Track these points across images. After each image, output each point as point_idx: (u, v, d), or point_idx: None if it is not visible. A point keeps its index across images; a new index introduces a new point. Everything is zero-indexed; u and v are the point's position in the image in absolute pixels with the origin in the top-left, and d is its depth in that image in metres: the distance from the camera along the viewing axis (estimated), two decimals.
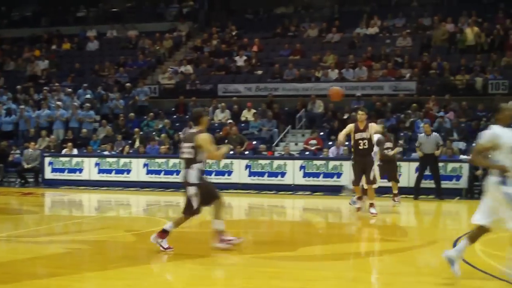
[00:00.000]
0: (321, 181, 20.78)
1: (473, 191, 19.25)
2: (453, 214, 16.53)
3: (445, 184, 19.17)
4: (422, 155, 18.46)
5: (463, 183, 19.39)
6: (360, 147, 14.01)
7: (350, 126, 14.19)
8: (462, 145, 21.40)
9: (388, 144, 16.65)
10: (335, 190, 19.54)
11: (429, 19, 29.16)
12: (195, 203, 9.68)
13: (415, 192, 18.59)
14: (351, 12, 31.71)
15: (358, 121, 14.18)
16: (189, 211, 9.75)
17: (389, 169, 16.58)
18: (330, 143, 22.53)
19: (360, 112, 14.26)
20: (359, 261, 9.92)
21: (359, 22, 30.10)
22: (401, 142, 21.87)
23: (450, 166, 19.66)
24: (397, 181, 16.77)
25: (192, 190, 9.64)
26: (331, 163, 20.85)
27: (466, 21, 27.94)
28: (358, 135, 14.00)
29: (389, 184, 16.71)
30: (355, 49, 28.38)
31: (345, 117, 23.78)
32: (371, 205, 14.12)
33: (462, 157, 19.82)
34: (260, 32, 31.27)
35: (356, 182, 14.18)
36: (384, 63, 26.67)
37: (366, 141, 13.98)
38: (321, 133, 23.68)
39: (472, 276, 8.36)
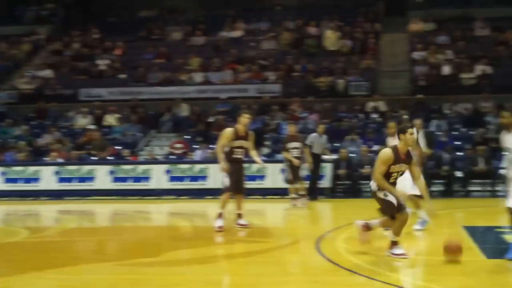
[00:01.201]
0: (187, 184, 20.57)
1: (335, 190, 19.63)
2: (317, 213, 16.75)
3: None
4: (310, 154, 18.05)
5: (326, 182, 19.73)
6: (235, 155, 12.26)
7: (229, 132, 12.21)
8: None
9: (296, 144, 16.49)
10: (201, 194, 19.42)
11: (293, 23, 29.57)
12: (393, 200, 9.03)
13: (312, 192, 18.53)
14: (216, 16, 31.66)
15: (240, 125, 12.30)
16: (391, 210, 9.11)
17: (296, 172, 16.55)
18: (196, 146, 22.35)
19: (245, 115, 12.36)
20: (225, 264, 9.77)
21: (224, 26, 30.14)
22: (267, 143, 22.05)
23: None
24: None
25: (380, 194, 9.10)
26: (197, 167, 20.69)
27: (328, 25, 28.60)
28: (237, 143, 12.23)
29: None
30: (220, 52, 28.38)
31: (210, 120, 23.72)
32: (240, 215, 12.65)
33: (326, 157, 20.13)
34: (123, 36, 30.62)
35: (234, 188, 12.42)
36: (249, 66, 26.81)
37: (243, 150, 12.35)
38: (187, 137, 23.45)
39: (335, 273, 8.40)
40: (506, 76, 25.12)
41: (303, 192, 16.76)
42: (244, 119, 12.28)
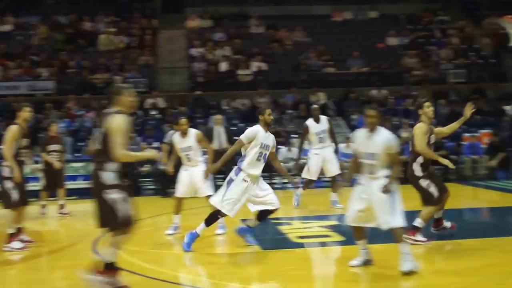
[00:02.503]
0: None
1: None
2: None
3: (88, 184, 18.76)
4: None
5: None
6: (19, 158, 10.15)
7: (16, 130, 10.08)
8: None
9: (56, 146, 14.87)
10: None
11: (65, 17, 28.36)
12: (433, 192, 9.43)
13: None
14: None
15: (21, 120, 10.28)
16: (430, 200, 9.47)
17: (58, 176, 14.96)
18: None
19: (26, 108, 10.36)
20: None
21: None
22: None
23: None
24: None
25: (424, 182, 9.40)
26: None
27: (103, 21, 27.84)
28: (21, 142, 10.19)
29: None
30: None
31: None
32: (13, 236, 10.22)
33: None
34: None
35: (19, 202, 10.16)
36: (20, 61, 25.33)
37: (26, 150, 10.40)
38: None
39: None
40: (280, 72, 26.00)
41: (62, 202, 14.96)
42: (26, 113, 10.32)
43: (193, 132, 11.15)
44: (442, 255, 9.18)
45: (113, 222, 6.83)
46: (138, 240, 10.38)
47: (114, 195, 6.78)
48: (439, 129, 9.96)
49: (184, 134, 11.10)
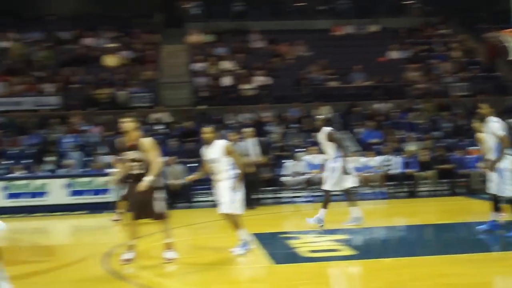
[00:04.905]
0: None
1: None
2: (103, 229, 16.09)
3: (96, 199, 18.76)
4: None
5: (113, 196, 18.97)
6: None
7: None
8: (110, 158, 21.10)
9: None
10: None
11: (67, 33, 28.39)
12: None
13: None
14: None
15: None
16: None
17: None
18: None
19: None
20: None
21: None
22: (49, 159, 20.93)
23: (99, 180, 19.20)
24: None
25: None
26: None
27: (106, 36, 27.94)
28: None
29: None
30: None
31: None
32: None
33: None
34: None
35: None
36: (24, 77, 25.35)
37: None
38: None
39: None
40: (282, 87, 26.08)
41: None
42: None
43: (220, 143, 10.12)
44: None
45: None
46: None
47: None
48: None
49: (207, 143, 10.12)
